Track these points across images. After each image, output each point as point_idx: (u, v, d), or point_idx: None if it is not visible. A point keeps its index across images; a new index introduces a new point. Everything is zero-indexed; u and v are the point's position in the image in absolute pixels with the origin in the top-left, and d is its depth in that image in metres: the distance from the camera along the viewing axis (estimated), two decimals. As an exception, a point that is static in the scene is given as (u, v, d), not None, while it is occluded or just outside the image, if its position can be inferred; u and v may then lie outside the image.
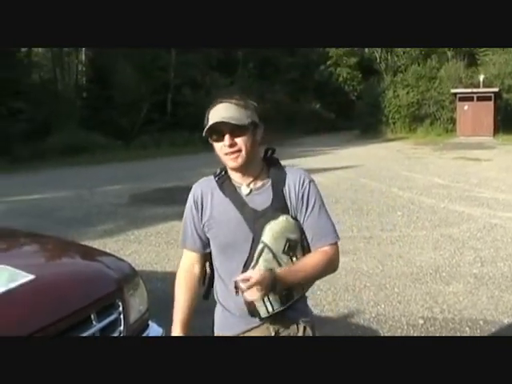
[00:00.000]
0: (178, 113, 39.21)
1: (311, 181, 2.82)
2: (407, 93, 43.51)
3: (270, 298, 2.65)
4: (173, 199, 14.99)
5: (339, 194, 14.81)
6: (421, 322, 6.15)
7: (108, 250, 9.51)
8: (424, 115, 42.85)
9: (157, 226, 11.55)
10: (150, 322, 3.99)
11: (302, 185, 2.77)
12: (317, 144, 35.62)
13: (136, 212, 13.65)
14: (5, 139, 29.55)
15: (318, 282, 7.22)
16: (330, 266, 2.82)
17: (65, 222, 12.58)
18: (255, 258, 2.65)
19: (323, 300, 6.83)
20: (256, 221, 2.68)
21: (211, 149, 2.76)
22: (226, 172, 2.82)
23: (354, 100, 53.67)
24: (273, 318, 2.73)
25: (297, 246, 2.70)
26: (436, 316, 6.34)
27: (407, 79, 44.71)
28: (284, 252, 2.66)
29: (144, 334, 3.83)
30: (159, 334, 3.92)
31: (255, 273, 2.51)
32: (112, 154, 31.52)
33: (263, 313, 2.69)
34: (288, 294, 2.70)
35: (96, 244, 10.12)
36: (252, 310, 2.69)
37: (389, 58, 52.15)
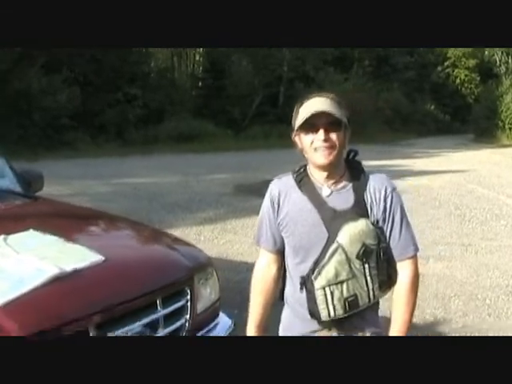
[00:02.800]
0: (289, 106, 38.87)
1: (394, 189, 2.73)
2: (527, 98, 41.98)
3: (335, 303, 2.60)
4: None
5: (444, 198, 14.46)
6: (509, 337, 5.90)
7: (202, 238, 9.73)
8: (543, 121, 41.23)
9: (255, 218, 11.38)
10: (220, 313, 4.00)
11: (386, 193, 2.68)
12: (429, 146, 34.91)
13: (237, 202, 13.70)
14: (118, 124, 30.40)
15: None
16: (417, 283, 2.76)
17: (167, 206, 12.80)
18: (327, 257, 2.59)
19: (410, 305, 6.65)
20: (333, 220, 2.61)
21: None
22: (305, 170, 2.77)
23: (470, 103, 52.31)
24: (338, 324, 2.68)
25: (372, 253, 2.60)
26: (528, 333, 6.04)
27: (527, 83, 43.16)
28: (358, 257, 2.58)
29: (212, 324, 3.85)
30: (228, 325, 3.94)
31: None
32: (222, 143, 31.86)
33: (324, 316, 2.63)
34: (353, 302, 2.62)
35: (193, 231, 10.30)
36: (314, 311, 2.65)
37: (509, 61, 50.38)
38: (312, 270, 2.62)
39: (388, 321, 2.76)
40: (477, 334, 5.90)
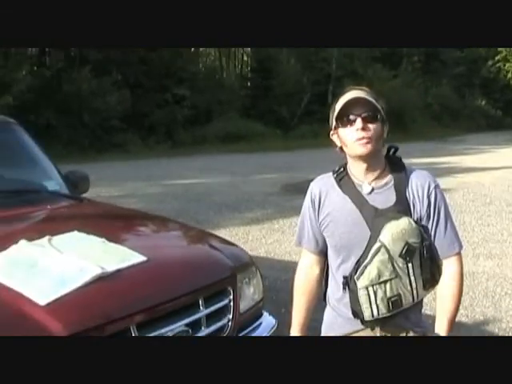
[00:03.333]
0: (338, 104, 38.93)
1: (437, 185, 2.70)
2: None
3: (378, 302, 2.58)
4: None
5: (494, 194, 14.22)
6: (561, 337, 5.76)
7: (250, 238, 9.76)
8: None
9: (302, 217, 11.37)
10: (264, 312, 4.00)
11: (429, 190, 2.65)
12: (480, 142, 34.45)
13: (285, 202, 13.66)
14: (167, 125, 30.66)
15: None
16: (462, 280, 2.72)
17: (215, 207, 12.84)
18: (370, 256, 2.56)
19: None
20: (375, 219, 2.58)
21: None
22: (345, 169, 2.74)
23: (522, 98, 51.44)
24: (381, 324, 2.66)
25: (415, 251, 2.57)
26: None
27: None
28: (401, 256, 2.55)
29: (256, 324, 3.85)
30: (271, 324, 3.93)
31: None
32: (270, 142, 31.89)
33: (367, 315, 2.61)
34: (396, 301, 2.59)
35: (241, 231, 10.34)
36: (357, 310, 2.63)
37: None
38: (355, 270, 2.60)
39: (431, 318, 2.73)
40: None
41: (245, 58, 44.25)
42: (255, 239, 9.78)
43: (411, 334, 2.71)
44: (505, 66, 54.34)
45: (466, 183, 16.02)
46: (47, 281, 2.93)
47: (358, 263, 2.60)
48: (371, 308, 2.58)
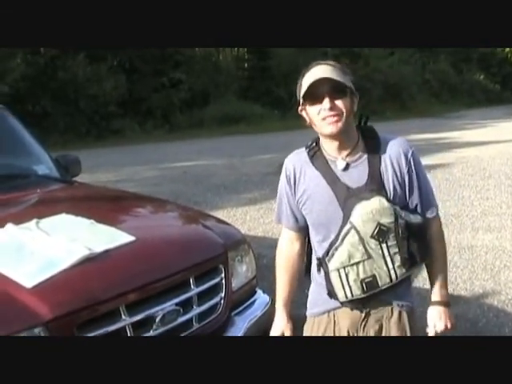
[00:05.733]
0: (335, 83, 38.82)
1: (413, 151, 2.65)
2: None
3: (350, 284, 2.55)
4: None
5: (494, 168, 14.16)
6: (561, 308, 5.73)
7: (248, 218, 9.74)
8: None
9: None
10: (257, 289, 3.97)
11: (405, 157, 2.61)
12: (479, 117, 34.29)
13: (282, 181, 13.60)
14: (164, 109, 30.53)
15: (455, 259, 6.82)
16: (444, 240, 2.78)
17: (213, 189, 12.80)
18: (340, 238, 2.54)
19: (458, 278, 6.54)
20: (347, 199, 2.54)
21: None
22: (318, 144, 2.69)
23: (520, 71, 51.24)
24: (362, 303, 2.63)
25: (388, 231, 2.51)
26: None
27: None
28: (372, 236, 2.51)
29: (250, 301, 3.83)
30: (266, 301, 3.89)
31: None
32: (268, 123, 31.78)
33: (341, 296, 2.60)
34: (370, 282, 2.55)
35: (239, 211, 10.32)
36: (331, 292, 2.62)
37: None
38: (326, 252, 2.59)
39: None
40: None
41: (241, 40, 44.04)
42: (253, 219, 9.76)
43: (396, 309, 2.69)
44: (502, 39, 54.05)
45: (465, 158, 15.96)
46: (34, 264, 2.91)
47: (331, 245, 2.58)
48: (344, 289, 2.57)
